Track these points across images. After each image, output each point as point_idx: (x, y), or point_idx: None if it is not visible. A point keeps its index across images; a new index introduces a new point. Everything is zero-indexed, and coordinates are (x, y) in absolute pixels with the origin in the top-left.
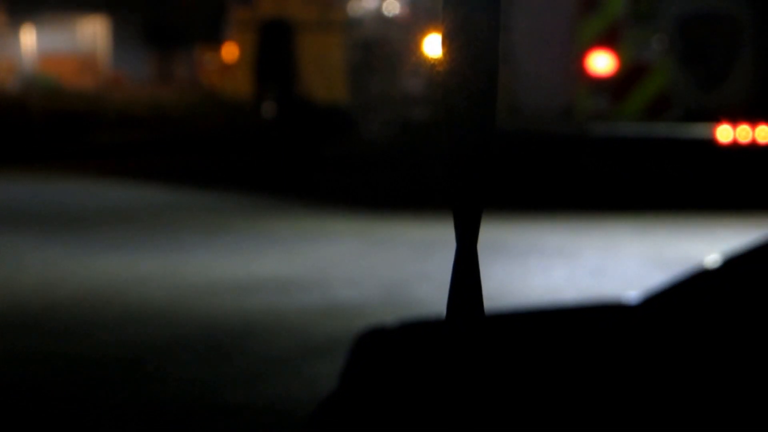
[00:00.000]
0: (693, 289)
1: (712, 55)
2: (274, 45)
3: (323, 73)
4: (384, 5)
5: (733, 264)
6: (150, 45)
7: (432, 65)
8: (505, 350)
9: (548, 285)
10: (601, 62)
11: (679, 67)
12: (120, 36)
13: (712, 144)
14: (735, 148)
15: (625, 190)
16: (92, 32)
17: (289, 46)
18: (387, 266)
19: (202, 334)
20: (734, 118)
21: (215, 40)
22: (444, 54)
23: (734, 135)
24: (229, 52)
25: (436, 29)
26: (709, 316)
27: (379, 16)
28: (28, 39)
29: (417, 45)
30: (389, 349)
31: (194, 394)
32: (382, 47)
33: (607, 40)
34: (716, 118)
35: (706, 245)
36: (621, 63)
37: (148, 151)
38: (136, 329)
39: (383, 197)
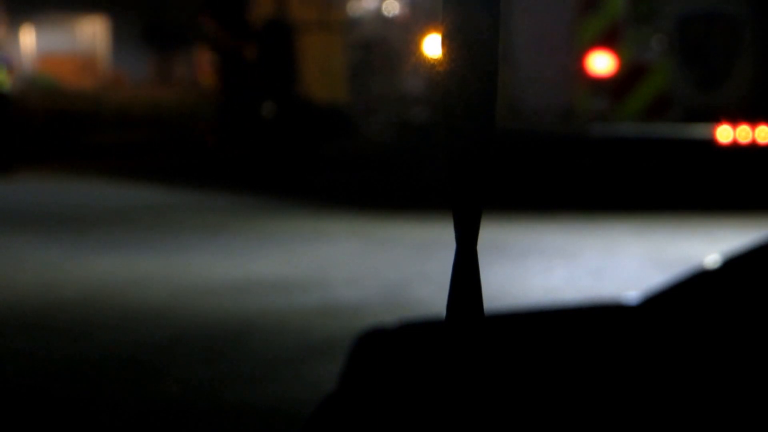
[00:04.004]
0: (693, 289)
1: (712, 55)
2: (274, 45)
3: (323, 74)
4: (384, 5)
5: (733, 264)
6: (149, 45)
7: (432, 65)
8: (505, 351)
9: (548, 285)
10: (601, 62)
11: (679, 67)
12: (119, 36)
13: (712, 144)
14: (735, 148)
15: (625, 190)
16: (92, 32)
17: (289, 47)
18: (387, 266)
19: (202, 334)
20: (734, 118)
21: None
22: (443, 54)
23: (734, 135)
24: None
25: (436, 29)
26: (709, 316)
27: (379, 16)
28: (28, 39)
29: (417, 45)
30: (389, 350)
31: (194, 394)
32: (382, 47)
33: (607, 40)
34: (716, 118)
35: (706, 245)
36: (621, 63)
37: (148, 151)
38: (135, 329)
39: (383, 197)
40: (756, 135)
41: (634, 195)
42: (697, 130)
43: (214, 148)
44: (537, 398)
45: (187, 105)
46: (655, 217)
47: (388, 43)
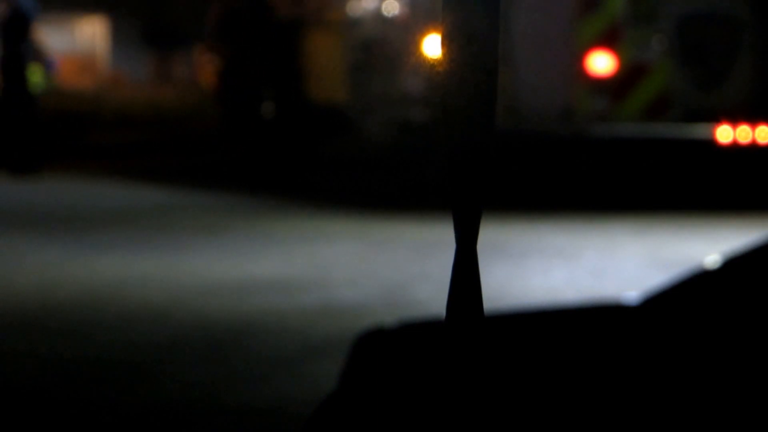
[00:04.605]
0: (693, 289)
1: (712, 55)
2: (276, 44)
3: (323, 74)
4: (384, 5)
5: (733, 264)
6: (149, 45)
7: (431, 65)
8: (504, 351)
9: (548, 286)
10: (601, 62)
11: (679, 67)
12: (119, 36)
13: (712, 144)
14: (735, 148)
15: (625, 190)
16: (91, 32)
17: (291, 46)
18: (386, 267)
19: (202, 334)
20: (734, 118)
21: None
22: (443, 54)
23: (734, 135)
24: None
25: (435, 29)
26: (709, 316)
27: (378, 16)
28: None
29: (417, 45)
30: (389, 350)
31: (193, 394)
32: (382, 47)
33: (607, 40)
34: (716, 118)
35: (706, 245)
36: (621, 63)
37: (148, 151)
38: (135, 330)
39: (383, 197)
40: (756, 135)
41: (634, 195)
42: (697, 130)
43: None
44: (537, 398)
45: (187, 105)
46: (655, 217)
47: (388, 43)
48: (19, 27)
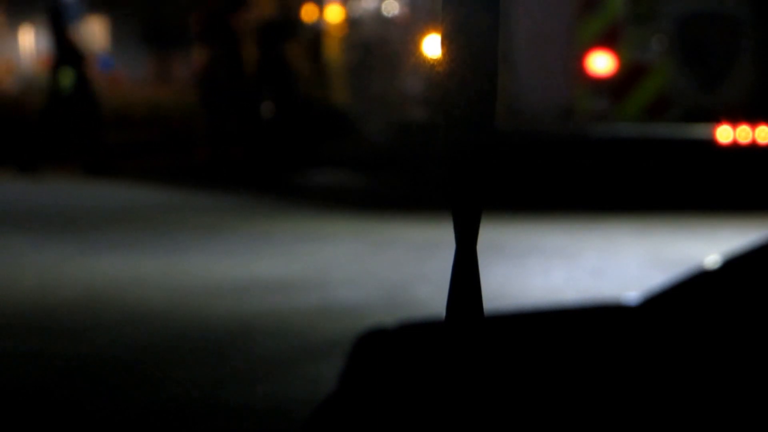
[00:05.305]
0: (693, 289)
1: (712, 55)
2: (274, 45)
3: (322, 74)
4: (383, 5)
5: (733, 264)
6: (149, 45)
7: (431, 66)
8: (504, 351)
9: (548, 286)
10: (601, 62)
11: (679, 67)
12: (119, 36)
13: (712, 144)
14: (735, 148)
15: (625, 190)
16: (91, 32)
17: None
18: (387, 267)
19: (202, 335)
20: (734, 118)
21: None
22: (443, 54)
23: (734, 135)
24: None
25: (435, 30)
26: (709, 316)
27: (378, 17)
28: (27, 39)
29: (416, 45)
30: (389, 351)
31: (193, 394)
32: (382, 47)
33: (607, 40)
34: (716, 118)
35: (706, 245)
36: (621, 63)
37: (148, 151)
38: (135, 330)
39: (383, 197)
40: (756, 135)
41: (634, 195)
42: (697, 130)
43: (209, 159)
44: (537, 399)
45: (187, 105)
46: (655, 217)
47: (388, 43)
48: (55, 27)
